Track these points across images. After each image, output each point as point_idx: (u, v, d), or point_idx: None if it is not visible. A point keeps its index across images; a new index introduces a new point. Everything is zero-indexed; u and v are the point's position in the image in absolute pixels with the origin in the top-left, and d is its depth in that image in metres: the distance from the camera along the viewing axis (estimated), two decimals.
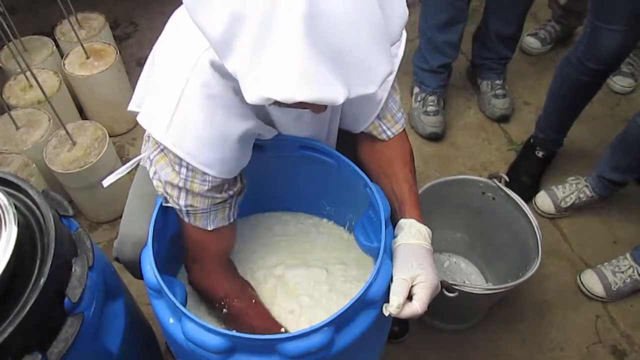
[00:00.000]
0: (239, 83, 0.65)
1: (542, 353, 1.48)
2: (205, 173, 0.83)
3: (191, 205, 0.89)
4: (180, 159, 0.82)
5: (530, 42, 2.17)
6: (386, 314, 0.83)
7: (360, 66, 0.64)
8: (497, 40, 1.87)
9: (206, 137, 0.81)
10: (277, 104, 0.66)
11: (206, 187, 0.86)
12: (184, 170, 0.84)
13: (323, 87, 0.62)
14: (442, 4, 1.72)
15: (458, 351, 1.48)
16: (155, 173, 0.89)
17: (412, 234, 0.90)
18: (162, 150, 0.86)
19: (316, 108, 0.72)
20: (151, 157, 0.89)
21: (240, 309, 1.00)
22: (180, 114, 0.80)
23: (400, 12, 0.69)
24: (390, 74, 0.67)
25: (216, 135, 0.81)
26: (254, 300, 1.02)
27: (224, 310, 1.00)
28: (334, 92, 0.63)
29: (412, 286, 0.85)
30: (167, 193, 0.89)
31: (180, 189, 0.87)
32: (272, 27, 0.60)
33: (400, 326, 1.46)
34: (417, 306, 0.83)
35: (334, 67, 0.62)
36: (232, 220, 0.97)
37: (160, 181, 0.89)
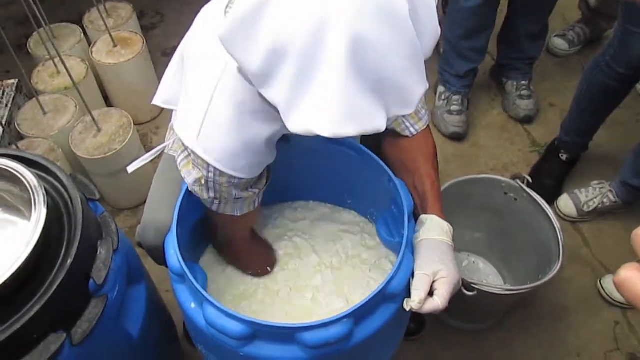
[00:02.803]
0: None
1: (558, 358, 1.47)
2: (233, 176, 0.83)
3: (218, 201, 0.91)
4: (208, 164, 0.82)
5: (558, 43, 2.14)
6: (407, 308, 0.83)
7: (400, 90, 0.65)
8: (525, 40, 1.84)
9: (235, 143, 0.80)
10: None
11: (233, 188, 0.87)
12: (211, 175, 0.84)
13: (367, 118, 0.63)
14: (467, 14, 1.68)
15: (473, 351, 1.47)
16: (182, 175, 0.90)
17: (434, 230, 0.90)
18: (189, 154, 0.86)
19: None
20: (177, 160, 0.90)
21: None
22: (210, 121, 0.79)
23: (432, 30, 0.68)
24: (426, 91, 0.68)
25: (245, 141, 0.80)
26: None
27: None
28: (377, 122, 0.64)
29: (433, 281, 0.85)
30: (195, 191, 0.90)
31: (208, 190, 0.87)
32: (315, 62, 0.60)
33: (417, 323, 1.46)
34: (438, 302, 0.83)
35: (376, 95, 0.63)
36: (257, 205, 0.99)
37: (188, 180, 0.89)
